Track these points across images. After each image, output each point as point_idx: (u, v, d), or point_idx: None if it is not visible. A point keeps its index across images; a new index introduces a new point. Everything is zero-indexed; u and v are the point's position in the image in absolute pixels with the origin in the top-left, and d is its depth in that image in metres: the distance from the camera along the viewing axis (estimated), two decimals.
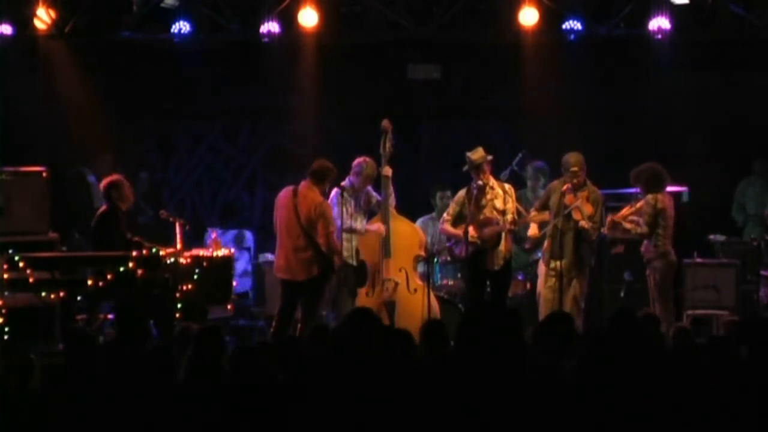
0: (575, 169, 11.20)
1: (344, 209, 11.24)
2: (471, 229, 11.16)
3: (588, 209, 11.12)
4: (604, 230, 11.39)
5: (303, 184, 11.05)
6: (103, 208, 11.48)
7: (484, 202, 11.30)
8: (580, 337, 7.18)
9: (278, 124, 15.24)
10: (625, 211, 11.32)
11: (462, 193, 11.44)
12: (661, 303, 11.14)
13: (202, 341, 6.90)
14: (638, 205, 11.27)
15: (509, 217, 11.28)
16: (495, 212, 11.30)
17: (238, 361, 6.72)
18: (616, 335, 6.85)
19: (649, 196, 11.20)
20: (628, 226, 11.26)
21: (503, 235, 11.27)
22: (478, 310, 7.52)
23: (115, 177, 11.51)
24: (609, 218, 11.33)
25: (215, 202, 15.50)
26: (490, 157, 11.31)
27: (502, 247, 11.29)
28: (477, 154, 11.27)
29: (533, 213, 11.53)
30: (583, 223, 11.09)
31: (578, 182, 11.21)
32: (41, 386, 6.98)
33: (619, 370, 6.60)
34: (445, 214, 11.57)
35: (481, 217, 11.26)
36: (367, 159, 11.46)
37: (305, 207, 10.92)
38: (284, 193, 11.16)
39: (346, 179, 11.42)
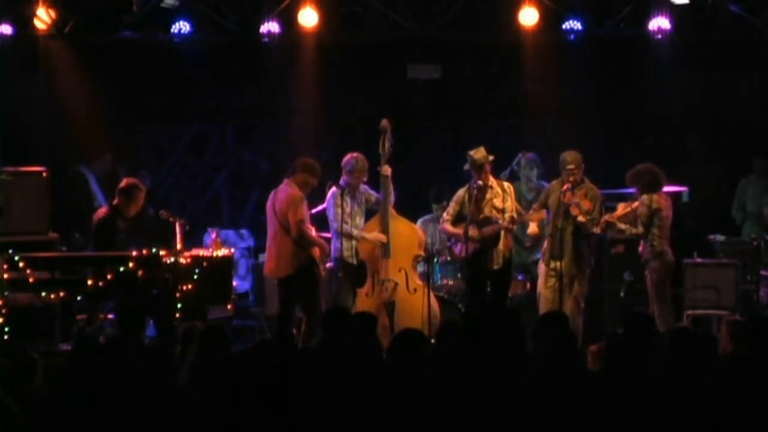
0: (571, 167, 11.22)
1: (341, 210, 11.25)
2: (470, 229, 11.17)
3: (586, 205, 11.13)
4: (597, 229, 11.38)
5: (282, 183, 11.31)
6: (102, 212, 11.44)
7: (483, 201, 11.31)
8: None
9: (277, 124, 15.24)
10: (620, 210, 11.32)
11: (462, 192, 11.45)
12: (658, 303, 11.15)
13: (207, 341, 6.90)
14: (634, 205, 11.27)
15: (508, 215, 11.29)
16: (494, 211, 11.31)
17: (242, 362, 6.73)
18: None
19: (645, 197, 11.22)
20: (622, 226, 11.26)
21: (502, 234, 11.28)
22: (478, 311, 7.52)
23: (132, 181, 11.48)
24: (603, 218, 11.32)
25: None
26: (491, 157, 11.33)
27: (501, 246, 11.31)
28: (479, 153, 11.28)
29: (532, 211, 11.55)
30: (581, 218, 11.10)
31: (575, 180, 11.23)
32: (44, 385, 6.99)
33: (617, 371, 6.61)
34: (445, 214, 11.58)
35: (481, 216, 11.27)
36: (354, 154, 11.48)
37: (279, 202, 11.11)
38: (271, 195, 11.36)
39: (341, 179, 11.44)
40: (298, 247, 11.03)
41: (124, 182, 11.48)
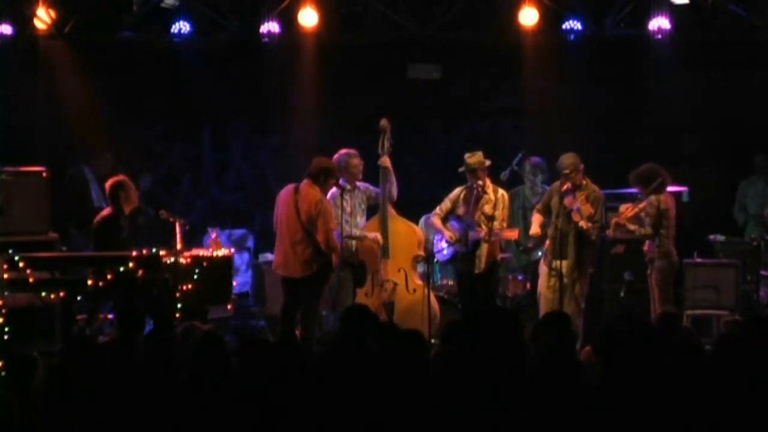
0: (567, 171, 11.22)
1: (341, 211, 11.23)
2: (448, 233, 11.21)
3: (587, 210, 11.12)
4: (609, 232, 11.40)
5: (304, 182, 11.06)
6: (106, 211, 11.47)
7: (477, 205, 11.30)
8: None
9: (277, 124, 15.25)
10: (628, 212, 11.29)
11: (458, 190, 11.45)
12: (661, 303, 11.14)
13: (205, 346, 6.88)
14: (641, 206, 11.25)
15: (496, 224, 11.27)
16: (483, 217, 11.30)
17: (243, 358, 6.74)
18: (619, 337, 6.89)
19: (652, 197, 11.20)
20: (631, 227, 11.24)
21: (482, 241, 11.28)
22: (476, 312, 7.53)
23: (121, 177, 11.51)
24: (613, 221, 11.31)
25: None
26: (488, 163, 11.32)
27: (483, 251, 11.27)
28: (474, 158, 11.28)
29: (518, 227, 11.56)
30: (583, 224, 11.09)
31: (574, 183, 11.22)
32: (44, 385, 6.99)
33: (617, 370, 6.61)
34: (437, 209, 11.56)
35: (466, 219, 11.27)
36: (343, 151, 11.46)
37: (306, 204, 10.92)
38: (285, 191, 11.16)
39: (341, 179, 11.41)
40: (319, 249, 10.94)
41: (109, 182, 11.49)
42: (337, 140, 13.65)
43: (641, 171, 11.31)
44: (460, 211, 11.28)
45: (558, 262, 11.16)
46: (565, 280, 11.13)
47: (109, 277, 10.69)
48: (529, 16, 13.27)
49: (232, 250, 12.10)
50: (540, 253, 11.76)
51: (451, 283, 12.16)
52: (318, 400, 6.48)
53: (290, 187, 11.15)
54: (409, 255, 11.52)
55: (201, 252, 11.45)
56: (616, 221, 11.28)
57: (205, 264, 11.19)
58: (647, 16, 13.40)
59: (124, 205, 11.32)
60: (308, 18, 13.42)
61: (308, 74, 14.31)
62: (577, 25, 13.56)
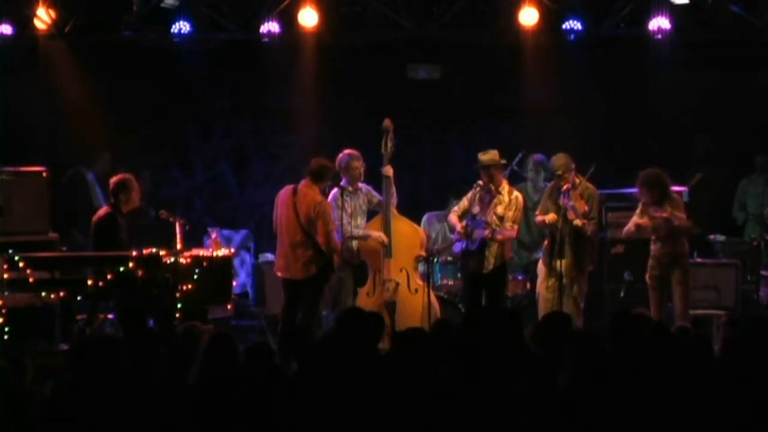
0: (559, 172, 11.22)
1: (343, 212, 11.22)
2: (460, 226, 11.19)
3: (581, 206, 11.09)
4: (622, 232, 11.25)
5: (302, 183, 11.05)
6: (103, 211, 11.45)
7: (490, 204, 11.29)
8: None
9: (277, 124, 15.25)
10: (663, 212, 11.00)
11: (476, 190, 11.44)
12: (684, 302, 10.94)
13: (213, 348, 6.88)
14: (670, 208, 11.00)
15: (507, 225, 11.26)
16: (494, 216, 11.29)
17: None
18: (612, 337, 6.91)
19: (675, 195, 11.15)
20: (679, 214, 10.94)
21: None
22: (476, 313, 7.54)
23: (125, 176, 11.48)
24: (665, 215, 10.94)
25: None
26: (503, 161, 11.31)
27: (493, 250, 11.25)
28: (486, 155, 11.27)
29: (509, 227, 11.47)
30: (577, 222, 11.08)
31: (569, 183, 11.20)
32: (34, 386, 6.99)
33: (615, 373, 6.61)
34: (455, 207, 11.56)
35: (479, 218, 11.27)
36: (346, 151, 11.43)
37: (305, 206, 10.92)
38: (284, 192, 11.16)
39: (342, 180, 11.40)
40: (319, 250, 10.94)
41: (114, 179, 11.47)
42: (337, 140, 13.68)
43: (649, 177, 10.87)
44: (476, 210, 11.27)
45: (557, 262, 11.15)
46: (564, 280, 11.13)
47: (109, 277, 10.70)
48: (529, 16, 13.28)
49: (232, 250, 12.10)
50: (540, 253, 11.75)
51: (451, 283, 12.17)
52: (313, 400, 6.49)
53: (289, 188, 11.15)
54: (412, 255, 11.52)
55: (201, 252, 11.45)
56: (664, 215, 10.87)
57: (205, 264, 11.19)
58: (647, 16, 13.41)
59: (123, 205, 11.30)
60: (308, 18, 13.42)
61: (308, 74, 14.31)
62: (577, 25, 13.57)
